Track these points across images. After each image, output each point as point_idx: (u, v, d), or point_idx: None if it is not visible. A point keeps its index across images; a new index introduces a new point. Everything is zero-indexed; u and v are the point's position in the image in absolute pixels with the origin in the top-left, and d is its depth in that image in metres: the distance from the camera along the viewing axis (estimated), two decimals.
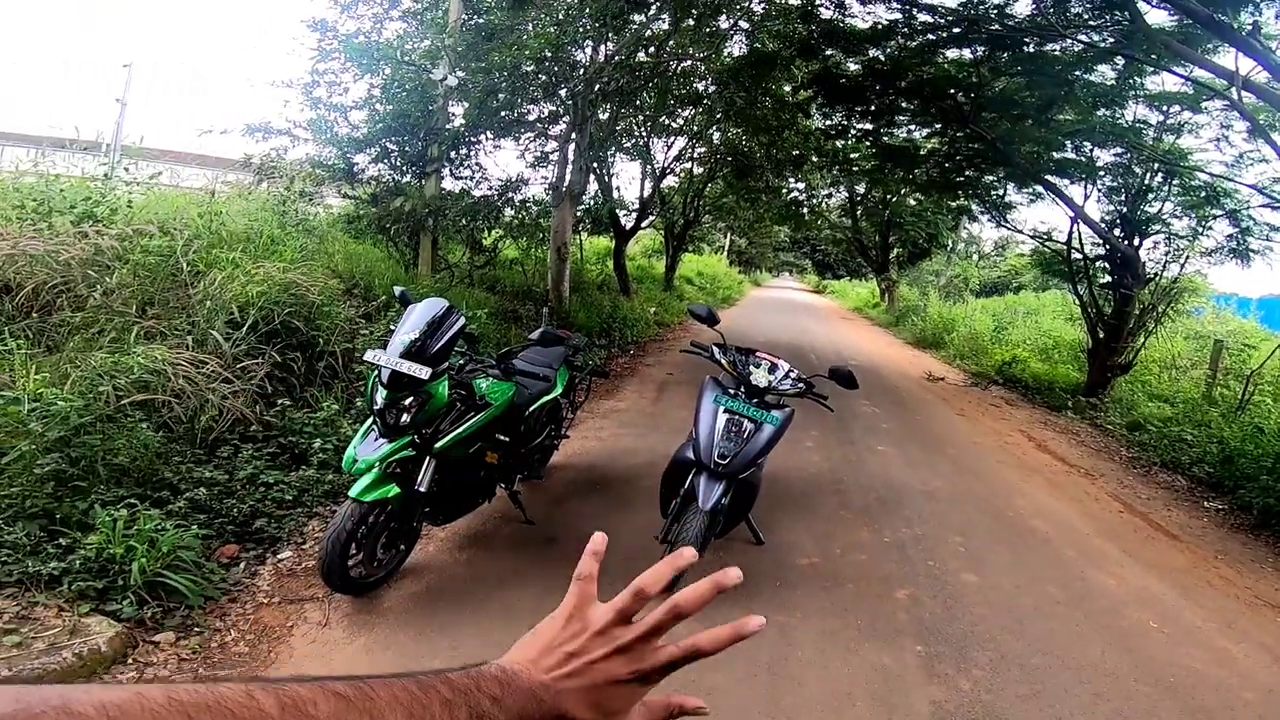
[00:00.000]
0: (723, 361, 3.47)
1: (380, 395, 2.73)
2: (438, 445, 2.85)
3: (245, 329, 4.31)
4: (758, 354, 3.51)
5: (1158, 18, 7.19)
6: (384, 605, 2.87)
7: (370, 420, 2.80)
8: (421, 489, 2.83)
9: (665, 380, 7.88)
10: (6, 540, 2.59)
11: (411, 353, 2.73)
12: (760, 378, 3.35)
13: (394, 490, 2.73)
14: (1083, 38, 7.33)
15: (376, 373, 2.79)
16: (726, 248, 34.01)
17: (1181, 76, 7.52)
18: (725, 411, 3.16)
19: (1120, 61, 7.83)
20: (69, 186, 5.15)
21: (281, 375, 4.50)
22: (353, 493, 2.67)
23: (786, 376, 3.43)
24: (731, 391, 3.29)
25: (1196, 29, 6.42)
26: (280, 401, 4.23)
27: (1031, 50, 8.19)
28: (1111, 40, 7.34)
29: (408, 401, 2.74)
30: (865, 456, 5.73)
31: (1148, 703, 2.71)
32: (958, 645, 2.98)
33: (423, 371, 2.67)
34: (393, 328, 3.23)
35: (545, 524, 3.71)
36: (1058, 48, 8.00)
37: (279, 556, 3.18)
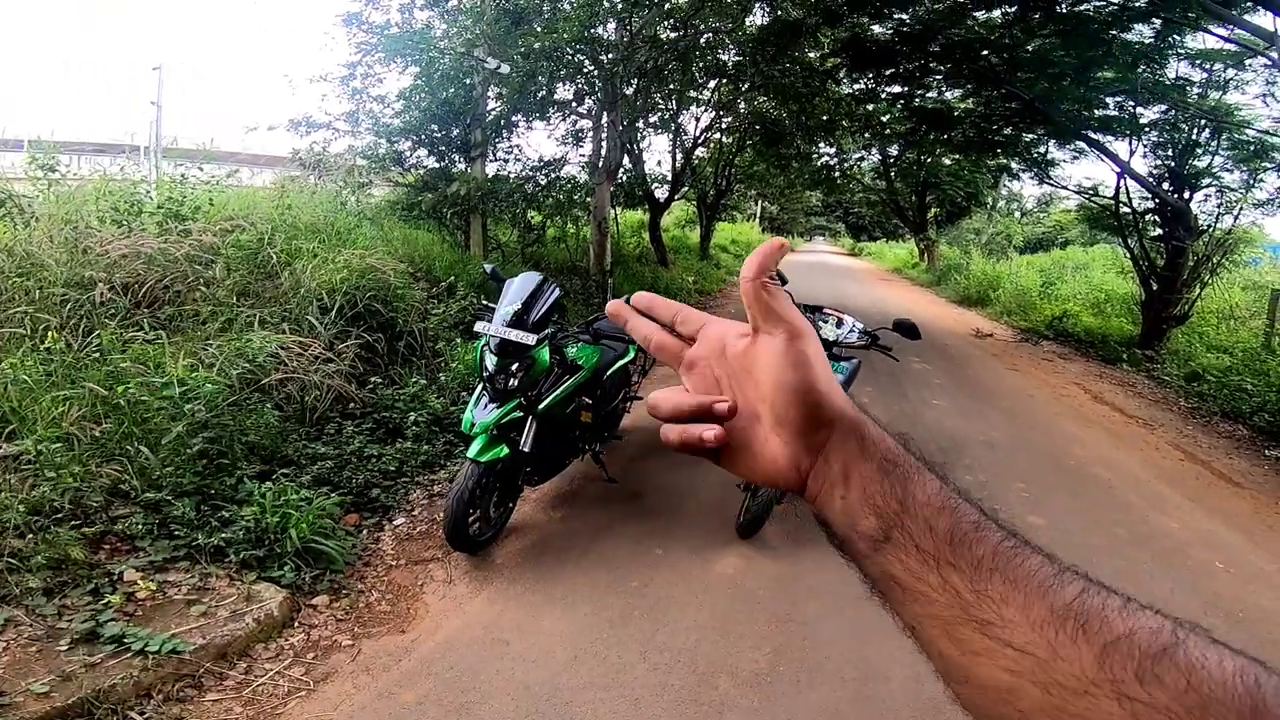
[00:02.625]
0: None
1: (490, 362, 3.00)
2: (541, 406, 3.12)
3: (334, 313, 4.62)
4: (825, 310, 3.69)
5: None
6: (497, 561, 3.15)
7: (480, 387, 3.07)
8: (526, 449, 3.10)
9: None
10: (173, 516, 2.86)
11: (515, 322, 2.98)
12: (828, 332, 3.54)
13: (505, 451, 3.01)
14: None
15: (485, 342, 3.05)
16: (758, 215, 33.76)
17: (1220, 37, 7.33)
18: None
19: (1157, 21, 7.65)
20: (156, 188, 5.49)
21: (367, 355, 4.80)
22: (470, 454, 2.95)
23: (852, 330, 3.61)
24: None
25: None
26: (372, 379, 4.54)
27: (1064, 10, 8.03)
28: (1147, 1, 7.18)
29: (514, 367, 3.00)
30: (921, 410, 5.88)
31: (1219, 634, 2.81)
32: None
33: (529, 338, 2.94)
34: (486, 302, 3.48)
35: (626, 481, 3.98)
36: (1091, 8, 7.83)
37: (395, 523, 3.47)
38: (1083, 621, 0.34)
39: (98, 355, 3.48)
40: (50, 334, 3.46)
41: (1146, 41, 8.19)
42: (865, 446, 0.40)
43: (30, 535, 2.54)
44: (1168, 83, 8.48)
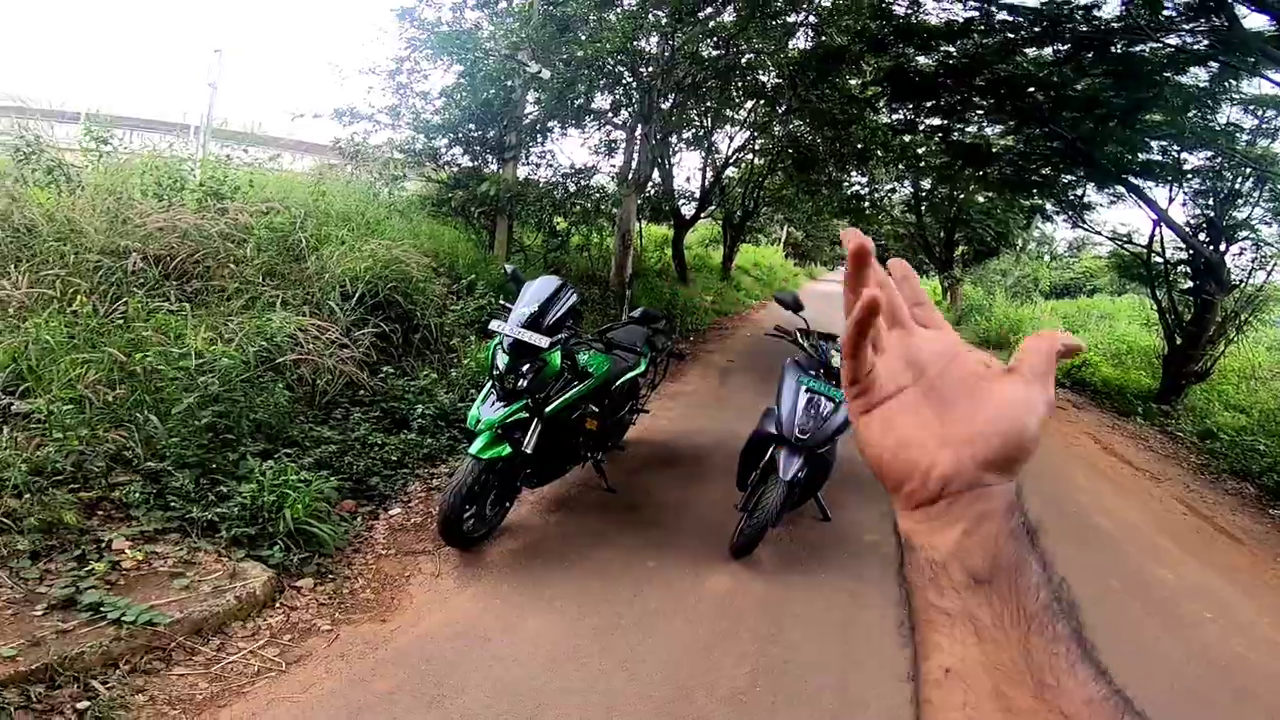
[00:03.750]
0: (804, 345, 3.67)
1: (502, 361, 3.04)
2: (548, 409, 3.15)
3: (354, 300, 4.69)
4: (838, 339, 3.69)
5: (1256, 22, 6.86)
6: (487, 559, 3.17)
7: (490, 385, 3.10)
8: (528, 450, 3.12)
9: (727, 367, 8.08)
10: (171, 487, 2.89)
11: (530, 324, 3.02)
12: (839, 360, 3.53)
13: (507, 449, 3.03)
14: (1174, 40, 7.08)
15: (499, 340, 3.09)
16: (783, 240, 33.72)
17: (1276, 83, 7.20)
18: (807, 390, 3.38)
19: (1214, 65, 7.52)
20: (200, 167, 5.65)
21: (382, 345, 4.87)
22: (472, 450, 2.97)
23: None
24: (812, 373, 3.49)
25: None
26: (384, 369, 4.60)
27: (1118, 51, 7.92)
28: (1205, 44, 7.07)
29: (525, 368, 3.03)
30: None
31: (1200, 683, 2.86)
32: None
33: (542, 340, 2.97)
34: (503, 303, 3.52)
35: (625, 492, 3.99)
36: (1146, 49, 7.72)
37: (390, 513, 3.50)
38: (1122, 710, 0.37)
39: (122, 322, 3.57)
40: (80, 298, 3.55)
41: (1201, 85, 8.03)
42: (1012, 506, 0.43)
43: (27, 495, 2.57)
44: (1217, 128, 8.28)
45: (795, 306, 3.84)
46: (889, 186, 19.18)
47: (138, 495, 2.80)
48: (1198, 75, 8.02)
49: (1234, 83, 7.88)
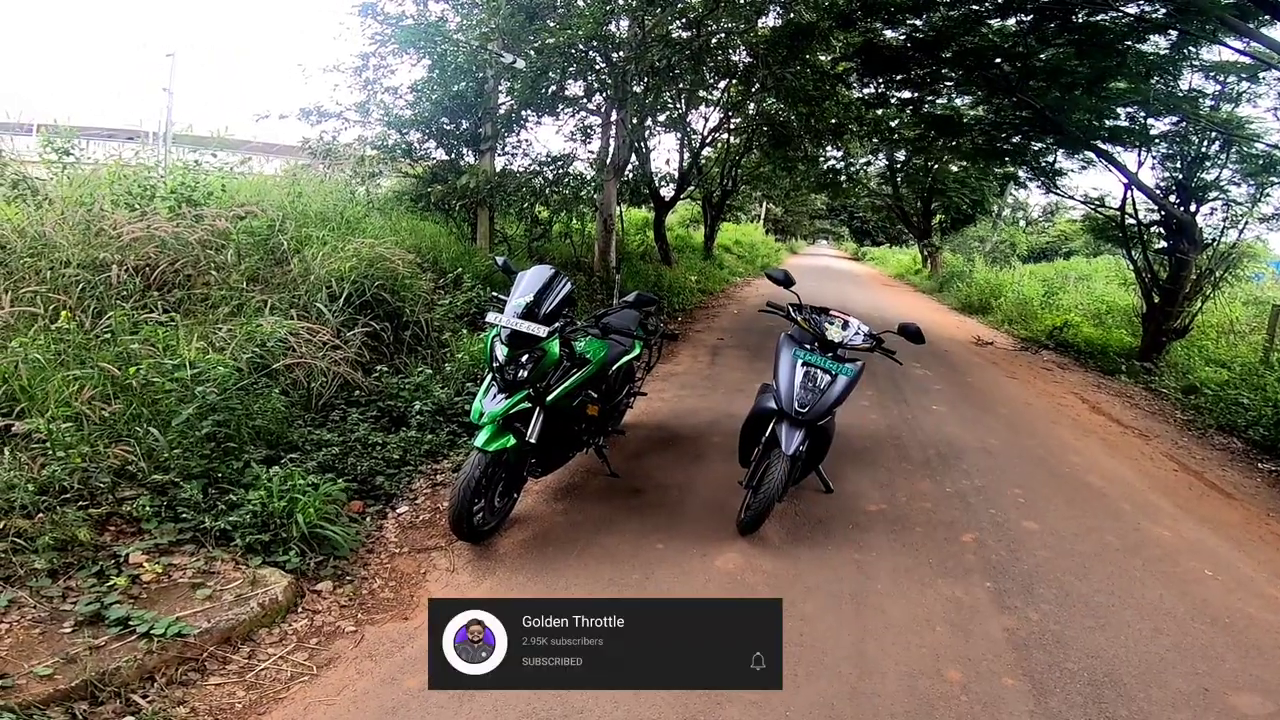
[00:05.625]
0: (798, 319, 3.70)
1: (501, 353, 3.04)
2: (549, 398, 3.17)
3: (342, 300, 4.66)
4: (832, 312, 3.74)
5: None
6: (500, 552, 3.19)
7: (490, 377, 3.11)
8: (532, 440, 3.14)
9: (717, 345, 8.13)
10: (180, 498, 2.88)
11: (526, 314, 3.03)
12: (834, 334, 3.58)
13: (512, 441, 3.05)
14: (1133, 9, 7.17)
15: (496, 332, 3.10)
16: (762, 216, 33.79)
17: (1236, 50, 7.33)
18: (804, 364, 3.43)
19: (1174, 33, 7.64)
20: (169, 173, 5.54)
21: (373, 344, 4.85)
22: (478, 443, 2.99)
23: (858, 333, 3.65)
24: (808, 346, 3.54)
25: (1251, 3, 6.28)
26: (378, 368, 4.58)
27: (1080, 20, 8.02)
28: (1164, 12, 7.19)
29: (524, 359, 3.04)
30: (920, 415, 5.92)
31: (1204, 639, 2.91)
32: (1024, 582, 3.23)
33: (540, 330, 2.98)
34: (496, 294, 3.51)
35: (628, 476, 4.03)
36: (1107, 18, 7.82)
37: (398, 511, 3.51)
38: None
39: (109, 336, 3.52)
40: (64, 314, 3.49)
41: (1162, 53, 8.16)
42: None
43: (38, 515, 2.56)
44: (1180, 94, 8.44)
45: (786, 282, 3.88)
46: (864, 160, 19.31)
47: (148, 509, 2.79)
48: (1158, 43, 8.17)
49: (1194, 50, 8.02)
